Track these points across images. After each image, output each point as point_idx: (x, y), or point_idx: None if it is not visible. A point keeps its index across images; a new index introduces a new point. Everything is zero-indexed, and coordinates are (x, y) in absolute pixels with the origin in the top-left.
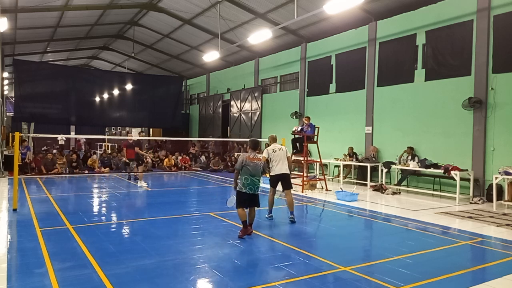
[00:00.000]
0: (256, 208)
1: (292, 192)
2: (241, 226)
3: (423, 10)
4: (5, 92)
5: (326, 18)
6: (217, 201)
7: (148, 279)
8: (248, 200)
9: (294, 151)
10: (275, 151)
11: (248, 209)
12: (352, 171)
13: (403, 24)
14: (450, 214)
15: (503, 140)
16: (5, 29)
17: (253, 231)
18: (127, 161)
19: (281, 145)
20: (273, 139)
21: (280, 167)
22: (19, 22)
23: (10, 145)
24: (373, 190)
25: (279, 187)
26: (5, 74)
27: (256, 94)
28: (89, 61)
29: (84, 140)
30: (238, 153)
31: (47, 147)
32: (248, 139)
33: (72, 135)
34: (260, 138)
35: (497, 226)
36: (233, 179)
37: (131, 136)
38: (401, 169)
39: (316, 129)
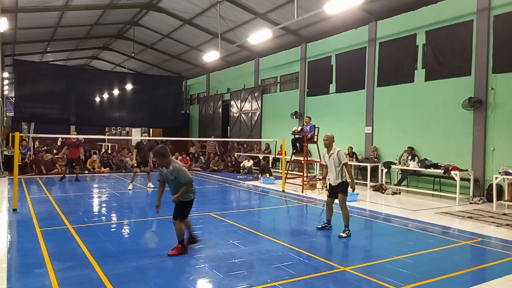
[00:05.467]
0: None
1: (292, 191)
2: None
3: (423, 10)
4: (5, 92)
5: (326, 18)
6: (217, 201)
7: (148, 279)
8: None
9: (294, 151)
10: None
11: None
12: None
13: (403, 24)
14: (450, 214)
15: (503, 140)
16: (5, 29)
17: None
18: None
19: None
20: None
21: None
22: (19, 22)
23: (10, 145)
24: (373, 190)
25: None
26: (5, 74)
27: (256, 94)
28: (89, 61)
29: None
30: (238, 153)
31: (47, 147)
32: (247, 139)
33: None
34: (260, 138)
35: (497, 226)
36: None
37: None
38: (401, 169)
39: (316, 129)
